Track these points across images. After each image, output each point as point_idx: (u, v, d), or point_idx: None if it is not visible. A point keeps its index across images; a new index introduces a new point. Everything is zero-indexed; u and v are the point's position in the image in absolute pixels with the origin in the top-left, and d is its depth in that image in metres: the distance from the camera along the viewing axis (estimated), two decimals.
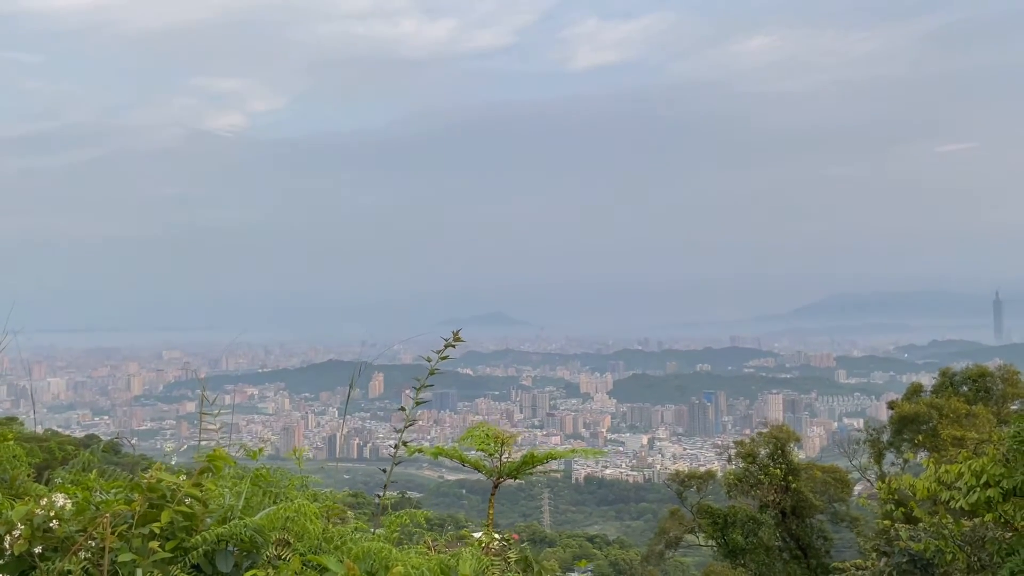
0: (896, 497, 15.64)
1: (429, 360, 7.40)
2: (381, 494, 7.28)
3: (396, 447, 7.10)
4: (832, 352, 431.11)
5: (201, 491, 5.75)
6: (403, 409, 7.22)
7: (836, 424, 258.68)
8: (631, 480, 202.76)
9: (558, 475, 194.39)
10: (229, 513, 5.79)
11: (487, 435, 7.73)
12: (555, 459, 7.31)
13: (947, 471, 12.57)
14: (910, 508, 14.89)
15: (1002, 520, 12.28)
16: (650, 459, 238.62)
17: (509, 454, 7.68)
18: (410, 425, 7.16)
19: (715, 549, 36.33)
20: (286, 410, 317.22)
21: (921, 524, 14.98)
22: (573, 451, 7.36)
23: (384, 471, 7.35)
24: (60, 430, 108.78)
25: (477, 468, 7.50)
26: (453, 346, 7.58)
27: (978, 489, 11.88)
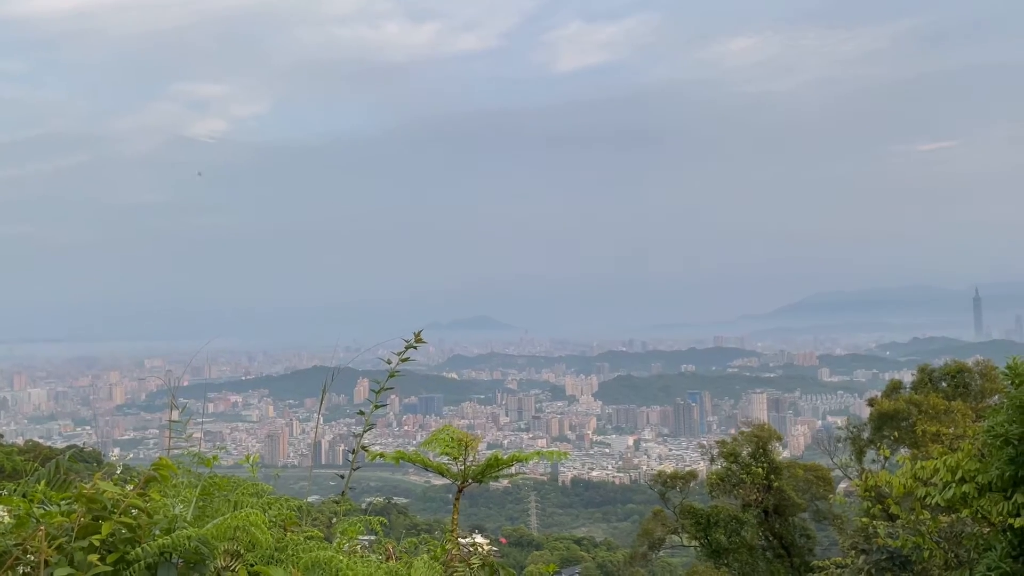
0: (873, 494, 15.61)
1: (389, 362, 7.23)
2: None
3: (354, 452, 6.93)
4: (815, 351, 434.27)
5: (147, 501, 5.53)
6: (362, 413, 7.04)
7: (820, 422, 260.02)
8: (617, 482, 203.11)
9: (544, 478, 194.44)
10: (175, 523, 5.56)
11: (451, 438, 7.56)
12: (520, 461, 7.15)
13: (923, 467, 12.48)
14: (887, 505, 14.85)
15: (979, 515, 12.21)
16: (636, 460, 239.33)
17: (474, 458, 7.51)
18: (369, 429, 6.98)
19: (698, 549, 36.31)
20: (270, 417, 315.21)
21: (899, 521, 14.96)
22: (538, 453, 7.21)
23: (354, 471, 7.16)
24: (41, 441, 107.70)
25: (440, 472, 7.33)
26: (414, 347, 7.41)
27: (954, 485, 11.80)
